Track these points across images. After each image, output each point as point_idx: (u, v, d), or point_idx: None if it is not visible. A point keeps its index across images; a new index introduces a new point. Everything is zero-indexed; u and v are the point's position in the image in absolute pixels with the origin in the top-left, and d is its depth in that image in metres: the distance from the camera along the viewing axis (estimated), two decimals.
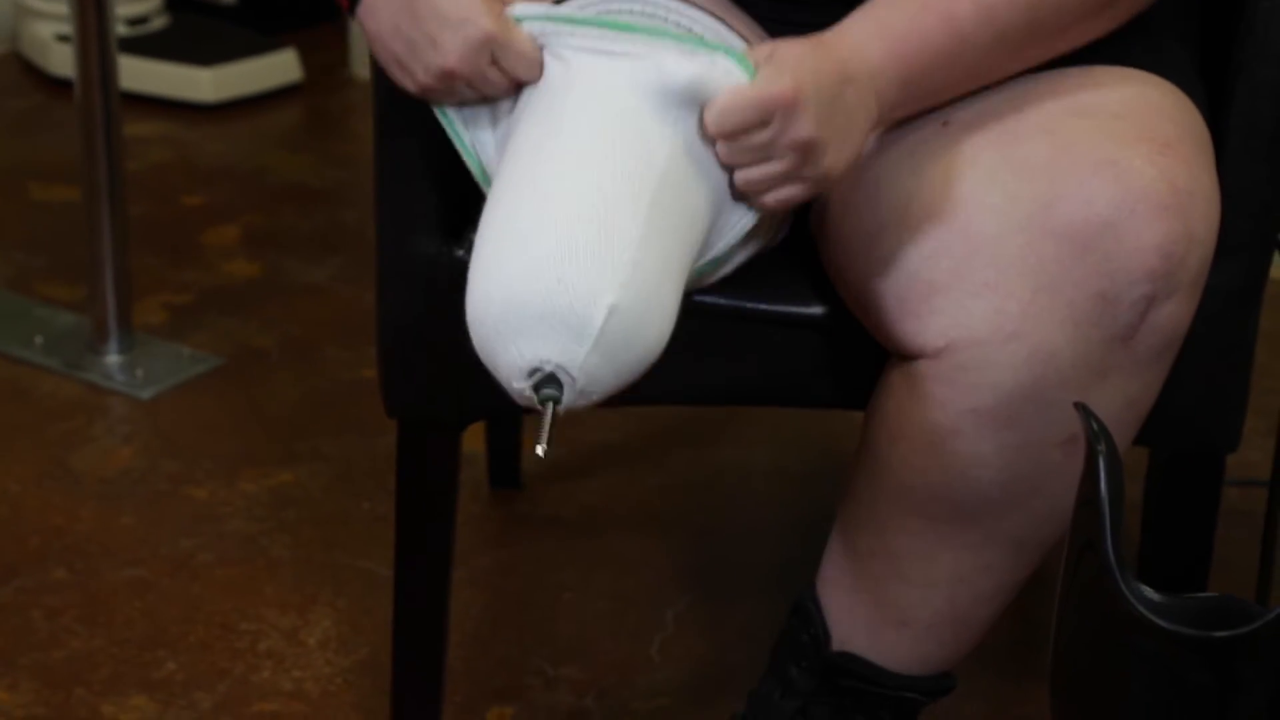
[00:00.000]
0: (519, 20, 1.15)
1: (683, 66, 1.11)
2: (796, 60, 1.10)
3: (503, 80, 1.16)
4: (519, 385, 1.06)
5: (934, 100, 1.17)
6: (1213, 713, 0.96)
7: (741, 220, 1.17)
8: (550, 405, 1.05)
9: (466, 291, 1.09)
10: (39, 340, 2.06)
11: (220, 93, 2.70)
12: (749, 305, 1.28)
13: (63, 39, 2.71)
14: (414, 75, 1.17)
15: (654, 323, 1.08)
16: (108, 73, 1.97)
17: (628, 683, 1.57)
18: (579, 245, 1.06)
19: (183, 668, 1.57)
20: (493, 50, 1.14)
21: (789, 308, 1.27)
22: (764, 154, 1.11)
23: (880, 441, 1.20)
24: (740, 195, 1.14)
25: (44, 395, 1.97)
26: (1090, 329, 1.12)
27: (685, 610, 1.66)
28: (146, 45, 2.74)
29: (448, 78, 1.15)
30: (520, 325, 1.05)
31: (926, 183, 1.15)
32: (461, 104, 1.18)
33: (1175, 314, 1.13)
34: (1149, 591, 0.96)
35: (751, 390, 1.32)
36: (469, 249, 1.28)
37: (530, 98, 1.16)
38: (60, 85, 2.70)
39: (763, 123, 1.10)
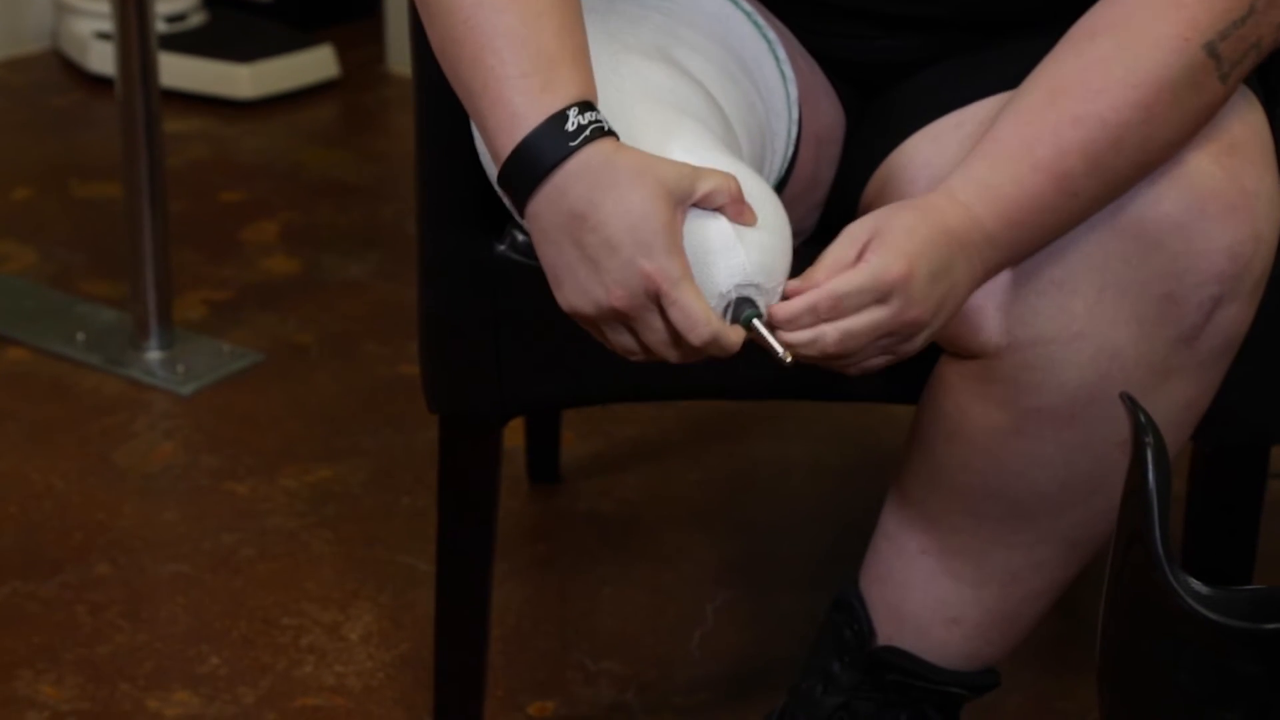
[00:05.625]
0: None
1: None
2: (907, 235, 1.05)
3: (663, 334, 1.02)
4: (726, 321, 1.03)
5: (1038, 249, 1.12)
6: (1261, 704, 0.96)
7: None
8: (756, 322, 1.03)
9: None
10: (81, 337, 2.07)
11: (258, 89, 2.71)
12: None
13: (102, 36, 2.72)
14: (566, 298, 1.03)
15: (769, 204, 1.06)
16: (148, 70, 1.97)
17: (668, 677, 1.57)
18: None
19: (226, 663, 1.58)
20: (659, 301, 1.01)
21: None
22: (875, 335, 1.05)
23: (935, 439, 1.20)
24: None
25: (86, 392, 1.98)
26: (1155, 329, 1.11)
27: (725, 605, 1.66)
28: (184, 42, 2.74)
29: (610, 315, 1.02)
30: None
31: None
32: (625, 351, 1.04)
33: (1238, 316, 1.12)
34: (1196, 584, 0.95)
35: (795, 384, 1.31)
36: (510, 243, 1.29)
37: None
38: (99, 82, 2.71)
39: (878, 302, 1.04)
